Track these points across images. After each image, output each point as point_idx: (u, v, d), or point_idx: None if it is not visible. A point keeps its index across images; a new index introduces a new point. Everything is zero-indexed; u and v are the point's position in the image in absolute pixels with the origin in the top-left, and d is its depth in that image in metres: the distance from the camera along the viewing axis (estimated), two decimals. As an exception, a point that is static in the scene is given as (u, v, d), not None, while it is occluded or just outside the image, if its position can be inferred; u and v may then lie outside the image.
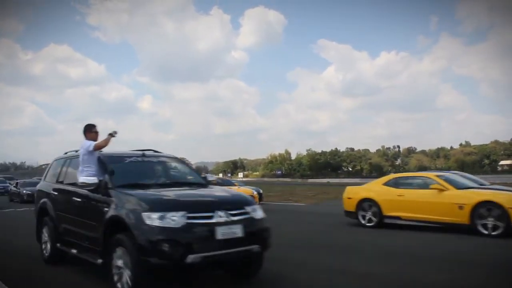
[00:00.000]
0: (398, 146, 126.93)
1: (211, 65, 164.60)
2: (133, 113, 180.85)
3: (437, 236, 9.41)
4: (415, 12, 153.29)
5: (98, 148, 5.96)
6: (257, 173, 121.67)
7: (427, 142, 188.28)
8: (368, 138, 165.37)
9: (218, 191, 5.87)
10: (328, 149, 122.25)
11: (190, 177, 6.73)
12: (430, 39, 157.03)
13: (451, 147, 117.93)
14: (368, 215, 11.09)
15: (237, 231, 4.88)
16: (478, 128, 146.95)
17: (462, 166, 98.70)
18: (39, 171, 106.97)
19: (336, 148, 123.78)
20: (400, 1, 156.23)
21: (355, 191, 11.87)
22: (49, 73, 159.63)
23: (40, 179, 8.16)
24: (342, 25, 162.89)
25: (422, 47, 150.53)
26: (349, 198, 11.79)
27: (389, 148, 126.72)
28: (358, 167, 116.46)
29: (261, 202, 16.74)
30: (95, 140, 6.10)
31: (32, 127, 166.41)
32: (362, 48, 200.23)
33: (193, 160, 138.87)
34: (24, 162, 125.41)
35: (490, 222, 8.89)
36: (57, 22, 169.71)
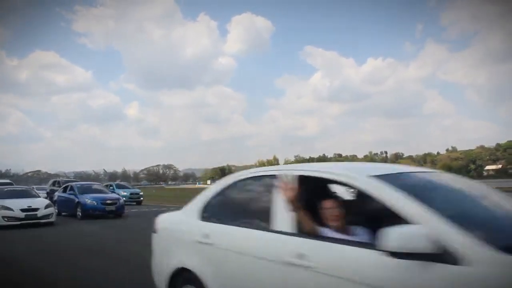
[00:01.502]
0: (386, 152, 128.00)
1: (198, 72, 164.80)
2: (120, 119, 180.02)
3: None
4: (401, 20, 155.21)
5: None
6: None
7: (414, 148, 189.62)
8: (355, 144, 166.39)
9: None
10: (316, 155, 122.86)
11: None
12: (416, 46, 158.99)
13: (438, 153, 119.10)
14: None
15: None
16: (464, 133, 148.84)
17: (449, 172, 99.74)
18: (24, 178, 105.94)
19: (324, 154, 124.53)
20: (386, 8, 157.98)
21: None
22: (35, 80, 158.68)
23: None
24: (329, 32, 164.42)
25: (408, 53, 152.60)
26: None
27: (376, 153, 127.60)
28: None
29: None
30: None
31: (17, 134, 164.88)
32: (348, 54, 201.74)
33: (181, 167, 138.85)
34: (10, 169, 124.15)
35: None
36: (43, 28, 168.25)
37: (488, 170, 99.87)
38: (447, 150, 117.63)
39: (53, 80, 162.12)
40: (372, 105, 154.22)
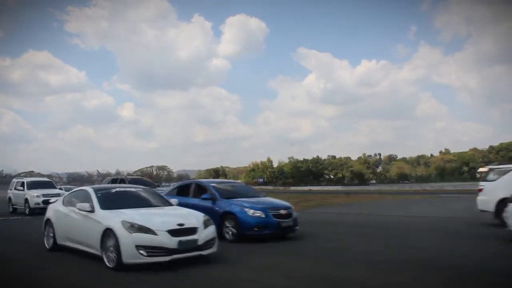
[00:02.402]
0: (379, 154, 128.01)
1: (192, 73, 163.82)
2: (114, 120, 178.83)
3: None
4: (395, 22, 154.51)
5: None
6: (239, 181, 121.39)
7: (407, 150, 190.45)
8: (349, 146, 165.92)
9: None
10: (310, 157, 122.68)
11: None
12: (410, 48, 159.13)
13: (431, 155, 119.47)
14: None
15: None
16: (457, 135, 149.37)
17: (442, 174, 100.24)
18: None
19: (318, 156, 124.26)
20: (380, 10, 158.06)
21: None
22: (28, 80, 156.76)
23: None
24: (323, 34, 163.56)
25: (402, 56, 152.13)
26: None
27: (370, 155, 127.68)
28: (340, 175, 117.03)
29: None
30: None
31: (10, 134, 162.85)
32: (342, 56, 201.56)
33: (175, 168, 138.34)
34: (2, 170, 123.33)
35: None
36: (36, 28, 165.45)
37: (481, 172, 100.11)
38: (440, 152, 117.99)
39: (46, 80, 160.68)
40: (366, 107, 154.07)
